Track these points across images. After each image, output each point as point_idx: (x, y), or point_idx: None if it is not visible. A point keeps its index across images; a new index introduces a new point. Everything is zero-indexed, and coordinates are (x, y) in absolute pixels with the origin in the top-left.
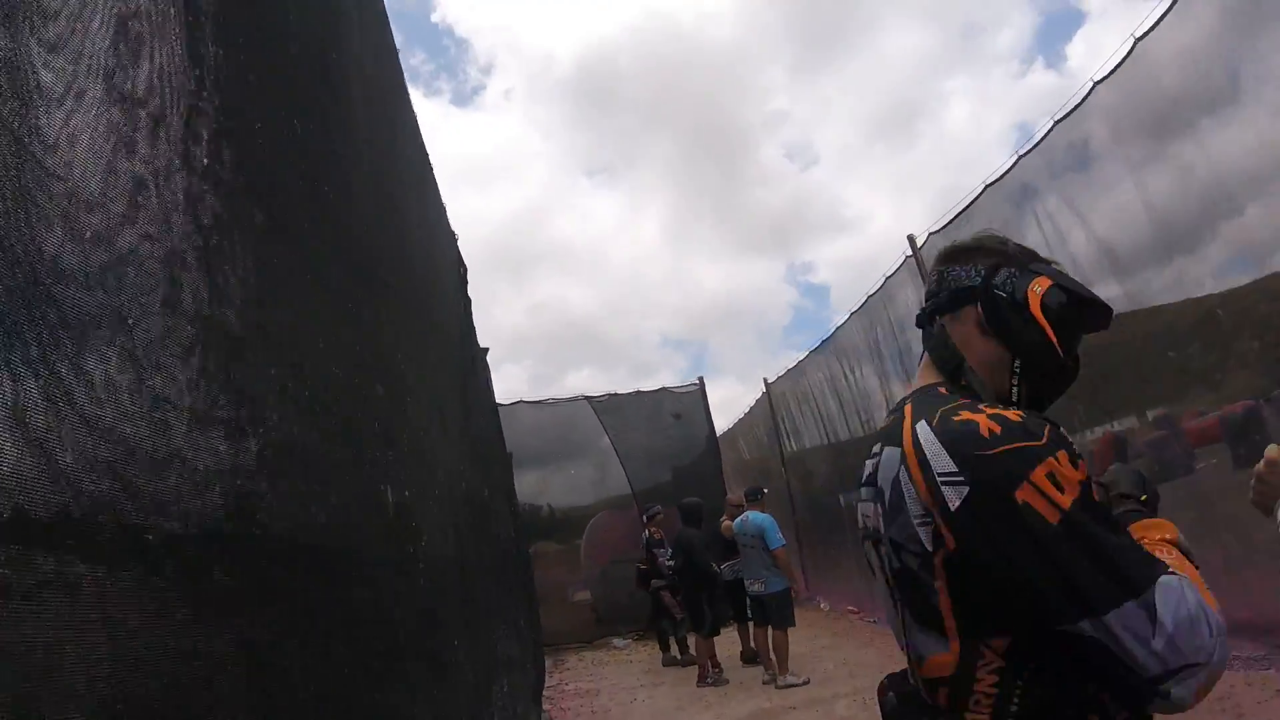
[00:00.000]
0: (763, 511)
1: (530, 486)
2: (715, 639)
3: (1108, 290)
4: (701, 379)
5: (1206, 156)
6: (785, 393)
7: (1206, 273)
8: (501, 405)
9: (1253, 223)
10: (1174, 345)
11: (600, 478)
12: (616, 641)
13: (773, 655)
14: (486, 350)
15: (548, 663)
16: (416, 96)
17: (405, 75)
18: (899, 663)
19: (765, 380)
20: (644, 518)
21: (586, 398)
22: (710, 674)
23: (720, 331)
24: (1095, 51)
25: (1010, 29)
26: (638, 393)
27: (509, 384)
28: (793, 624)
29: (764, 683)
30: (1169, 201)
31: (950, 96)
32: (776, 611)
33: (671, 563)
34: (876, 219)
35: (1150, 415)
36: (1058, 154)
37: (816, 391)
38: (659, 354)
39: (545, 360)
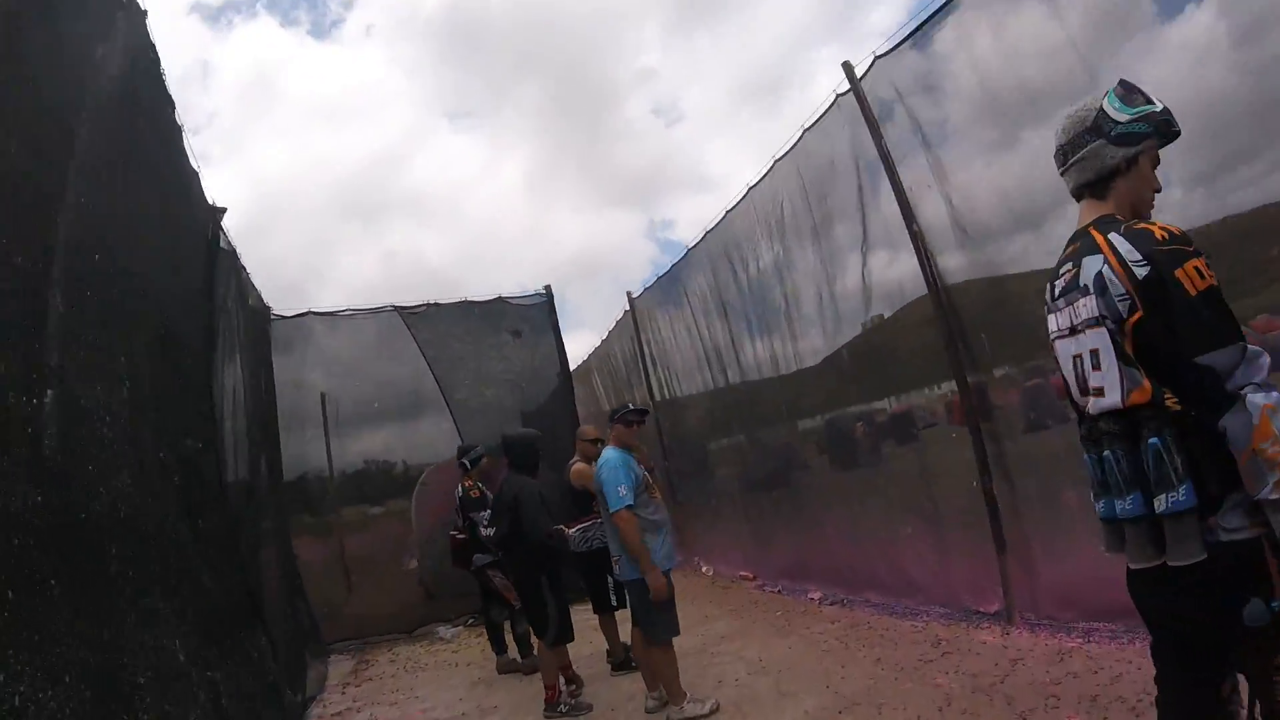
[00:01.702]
0: (620, 446)
1: (383, 441)
2: (576, 637)
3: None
4: (549, 287)
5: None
6: (653, 311)
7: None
8: (283, 318)
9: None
10: (1024, 311)
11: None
12: (443, 631)
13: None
14: (223, 211)
15: (348, 666)
16: (273, 25)
17: None
18: (836, 660)
19: (629, 295)
20: (460, 464)
21: (396, 307)
22: (563, 698)
23: (578, 284)
24: (963, 39)
25: (886, 6)
26: (465, 303)
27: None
28: (673, 632)
29: (648, 711)
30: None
31: (819, 67)
32: (642, 614)
33: (491, 530)
34: (737, 180)
35: (997, 374)
36: None
37: (697, 304)
38: None
39: None
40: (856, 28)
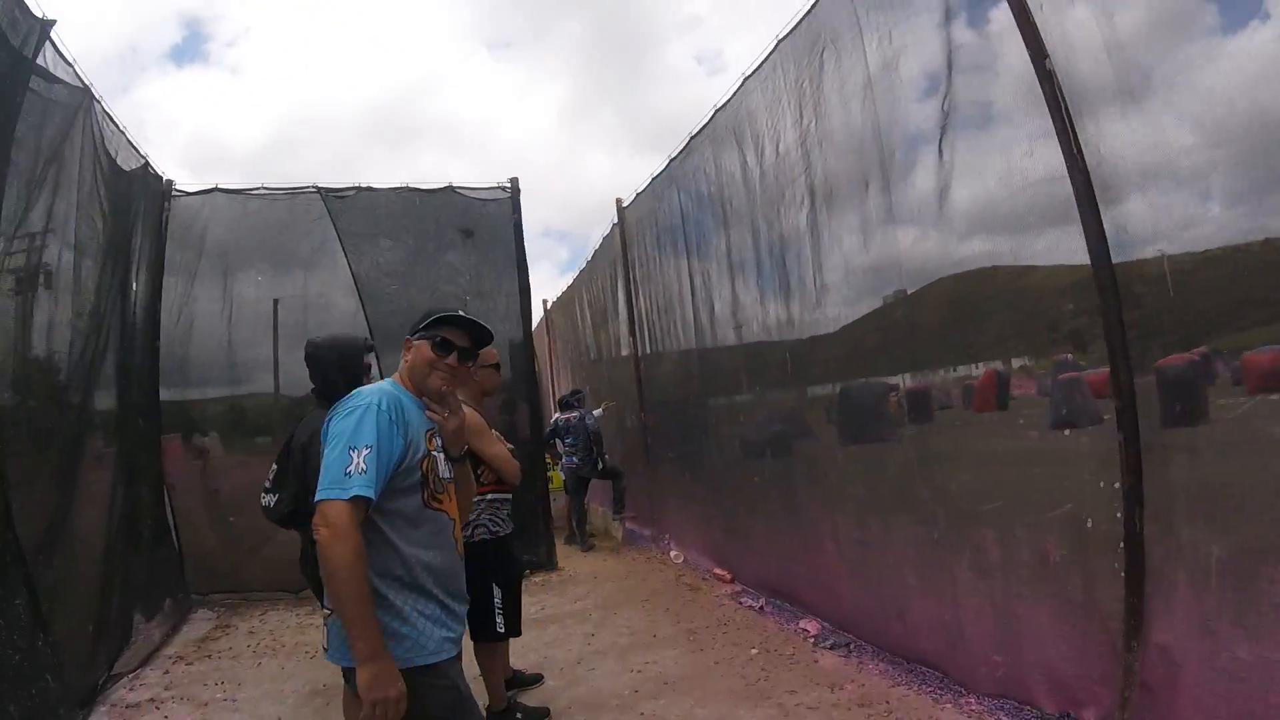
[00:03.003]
0: (399, 381)
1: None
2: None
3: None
4: (515, 180)
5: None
6: (643, 225)
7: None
8: (185, 194)
9: (1133, 211)
10: (1044, 302)
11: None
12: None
13: None
14: (51, 23)
15: (201, 631)
16: None
17: None
18: None
19: (618, 203)
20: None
21: (319, 188)
22: None
23: (604, 227)
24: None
25: None
26: (407, 189)
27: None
28: None
29: None
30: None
31: (873, 31)
32: None
33: (271, 498)
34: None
35: (1015, 364)
36: None
37: (691, 214)
38: (540, 244)
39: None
40: None
